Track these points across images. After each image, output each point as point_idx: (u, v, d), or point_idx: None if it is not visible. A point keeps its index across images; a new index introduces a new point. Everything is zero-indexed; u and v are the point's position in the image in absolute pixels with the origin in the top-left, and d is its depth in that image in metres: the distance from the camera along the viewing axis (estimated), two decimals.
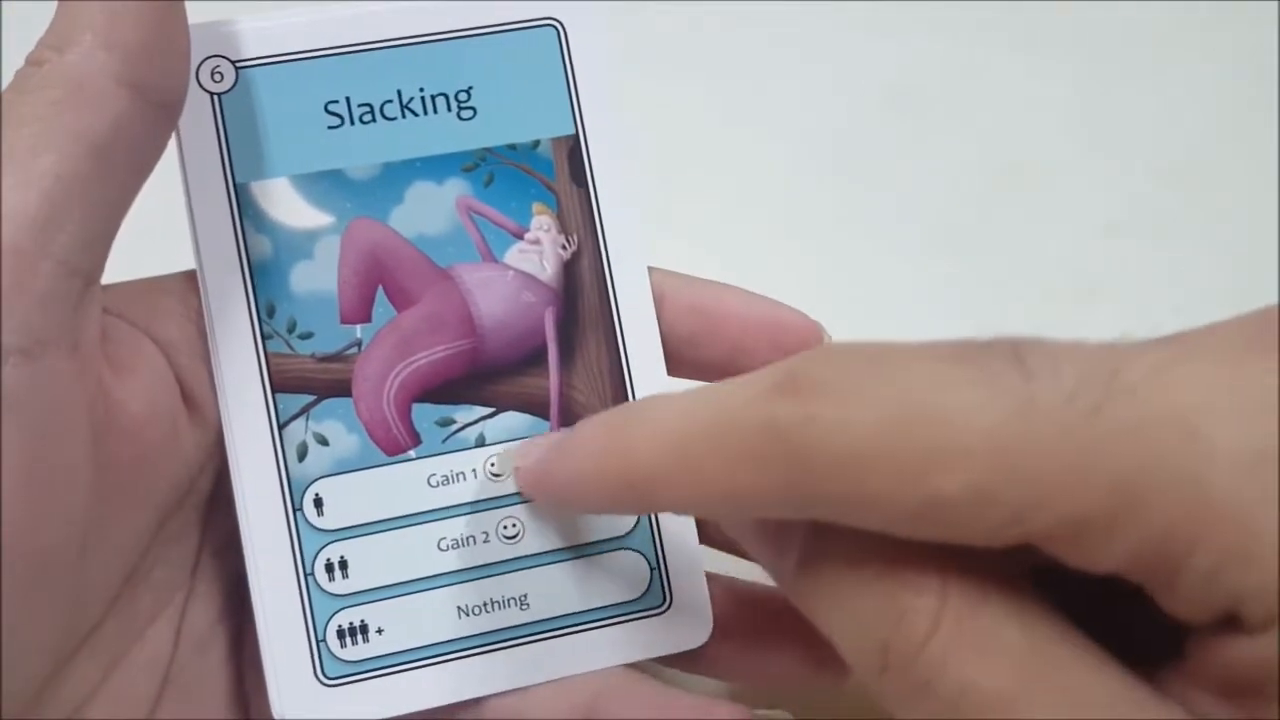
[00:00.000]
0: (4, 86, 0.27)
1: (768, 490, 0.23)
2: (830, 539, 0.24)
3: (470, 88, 0.33)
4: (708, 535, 0.33)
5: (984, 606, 0.22)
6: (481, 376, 0.32)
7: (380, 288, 0.32)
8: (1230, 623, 0.21)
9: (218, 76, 0.31)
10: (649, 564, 0.32)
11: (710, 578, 0.33)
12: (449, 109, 0.32)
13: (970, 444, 0.21)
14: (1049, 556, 0.22)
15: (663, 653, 0.32)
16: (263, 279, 0.31)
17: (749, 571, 0.35)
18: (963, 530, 0.22)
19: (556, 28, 0.33)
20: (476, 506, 0.32)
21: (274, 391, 0.31)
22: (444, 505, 0.32)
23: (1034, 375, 0.21)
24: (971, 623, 0.22)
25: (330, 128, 0.32)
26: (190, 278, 0.31)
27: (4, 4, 0.48)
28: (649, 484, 0.25)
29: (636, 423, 0.26)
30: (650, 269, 0.33)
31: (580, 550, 0.32)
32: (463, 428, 0.32)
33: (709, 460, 0.24)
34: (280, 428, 0.31)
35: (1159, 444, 0.21)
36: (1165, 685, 0.22)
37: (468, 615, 0.32)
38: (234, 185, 0.31)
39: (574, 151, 0.33)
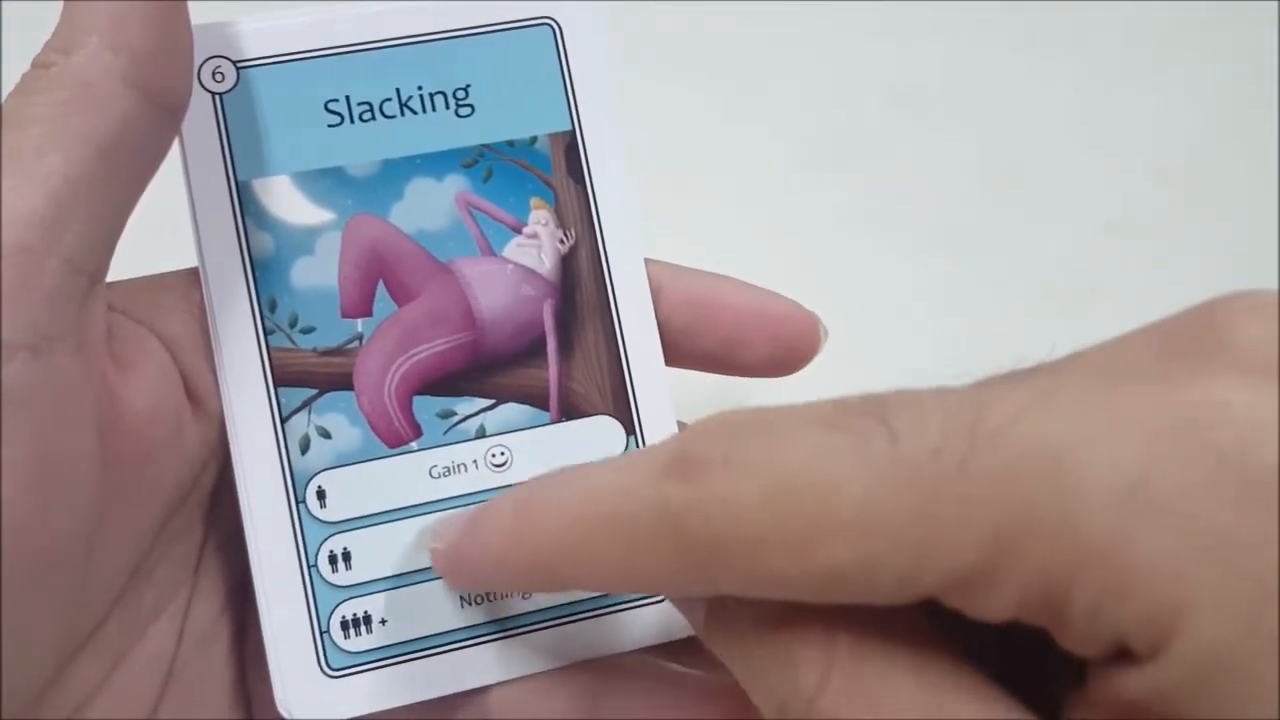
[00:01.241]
0: (4, 86, 0.28)
1: (665, 573, 0.23)
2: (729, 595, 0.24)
3: (468, 86, 0.33)
4: None
5: (873, 656, 0.22)
6: (482, 369, 0.33)
7: (381, 282, 0.32)
8: (1121, 655, 0.21)
9: (219, 76, 0.32)
10: None
11: None
12: (447, 107, 0.33)
13: (847, 515, 0.21)
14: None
15: (663, 639, 0.32)
16: (264, 275, 0.32)
17: None
18: (858, 595, 0.22)
19: (552, 26, 0.34)
20: (478, 497, 0.32)
21: (276, 385, 0.31)
22: (446, 496, 0.32)
23: (899, 435, 0.21)
24: (860, 674, 0.22)
25: (330, 126, 0.32)
26: (193, 274, 0.32)
27: (4, 4, 0.49)
28: (555, 569, 0.25)
29: (540, 505, 0.26)
30: (647, 261, 0.34)
31: None
32: (463, 419, 0.32)
33: (608, 548, 0.24)
34: (283, 421, 0.31)
35: (1027, 488, 0.20)
36: (1073, 716, 0.22)
37: (470, 605, 0.32)
38: (235, 183, 0.32)
39: (571, 147, 0.33)
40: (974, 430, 0.21)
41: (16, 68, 0.28)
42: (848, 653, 0.23)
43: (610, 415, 0.33)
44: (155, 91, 0.28)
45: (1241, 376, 0.20)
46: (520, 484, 0.27)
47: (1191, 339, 0.21)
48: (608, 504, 0.24)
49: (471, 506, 0.30)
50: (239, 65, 0.32)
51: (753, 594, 0.23)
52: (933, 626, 0.23)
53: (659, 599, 0.33)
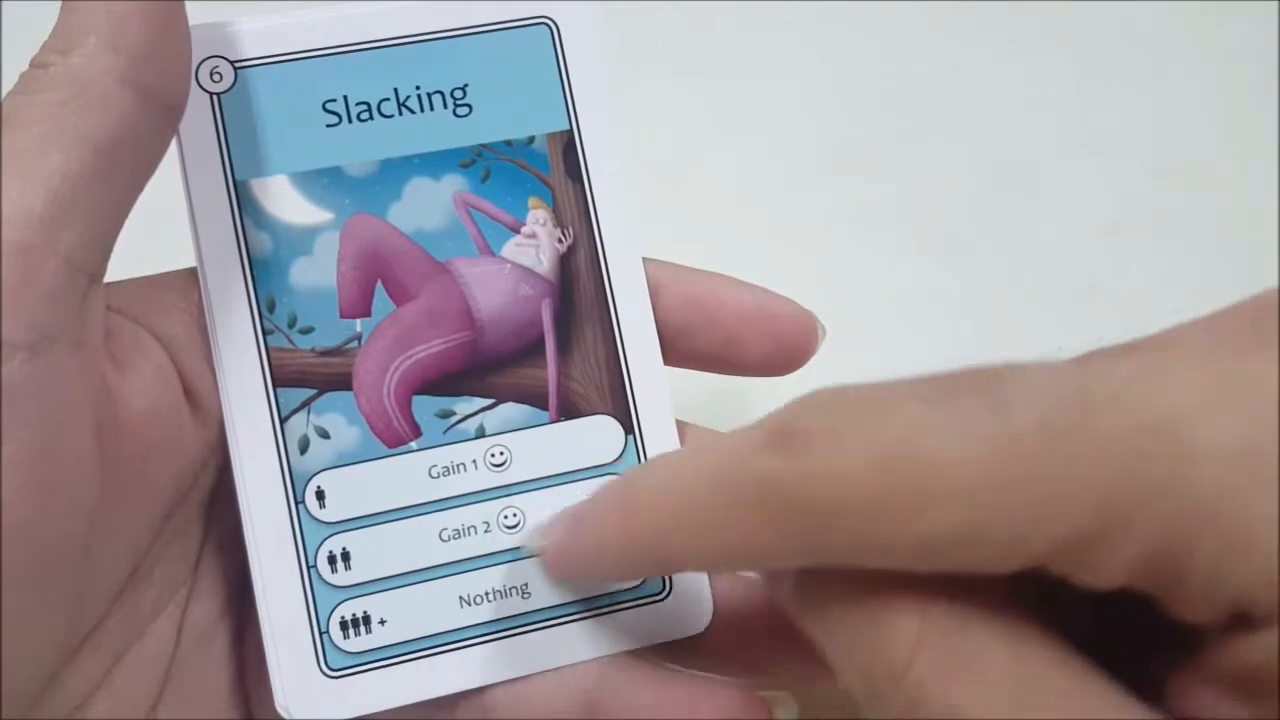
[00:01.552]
0: (4, 85, 0.28)
1: (771, 544, 0.23)
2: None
3: (466, 85, 0.33)
4: None
5: (968, 628, 0.22)
6: (481, 368, 0.33)
7: (379, 282, 0.32)
8: (1238, 621, 0.21)
9: (217, 76, 0.32)
10: None
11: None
12: (445, 106, 0.33)
13: (957, 481, 0.21)
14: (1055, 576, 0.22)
15: (663, 639, 0.33)
16: (263, 275, 0.32)
17: None
18: (963, 562, 0.22)
19: (550, 26, 0.34)
20: (477, 497, 0.32)
21: (275, 386, 0.31)
22: (445, 496, 0.32)
23: (1008, 404, 0.21)
24: (955, 645, 0.22)
25: (328, 126, 0.32)
26: (191, 275, 0.32)
27: (4, 4, 0.49)
28: (662, 547, 0.26)
29: (644, 489, 0.26)
30: (645, 260, 0.34)
31: None
32: (463, 419, 0.32)
33: (713, 521, 0.24)
34: (282, 421, 0.31)
35: (1140, 452, 0.20)
36: (1180, 688, 0.22)
37: (469, 605, 0.32)
38: (234, 183, 0.32)
39: (569, 146, 0.33)
40: (1084, 398, 0.21)
41: (16, 68, 0.28)
42: (942, 623, 0.22)
43: (609, 414, 0.33)
44: (154, 91, 0.28)
45: None
46: (620, 475, 0.28)
47: None
48: (710, 478, 0.24)
49: (568, 507, 0.31)
50: (237, 65, 0.32)
51: (854, 563, 0.23)
52: (1023, 603, 0.23)
53: (660, 597, 0.33)
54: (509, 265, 0.33)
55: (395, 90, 0.33)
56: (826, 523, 0.22)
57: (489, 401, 0.33)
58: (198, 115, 0.31)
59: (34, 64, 0.28)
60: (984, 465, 0.21)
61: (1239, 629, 0.21)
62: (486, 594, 0.32)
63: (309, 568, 0.31)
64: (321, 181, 0.32)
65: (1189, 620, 0.21)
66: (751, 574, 0.34)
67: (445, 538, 0.32)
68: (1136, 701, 0.22)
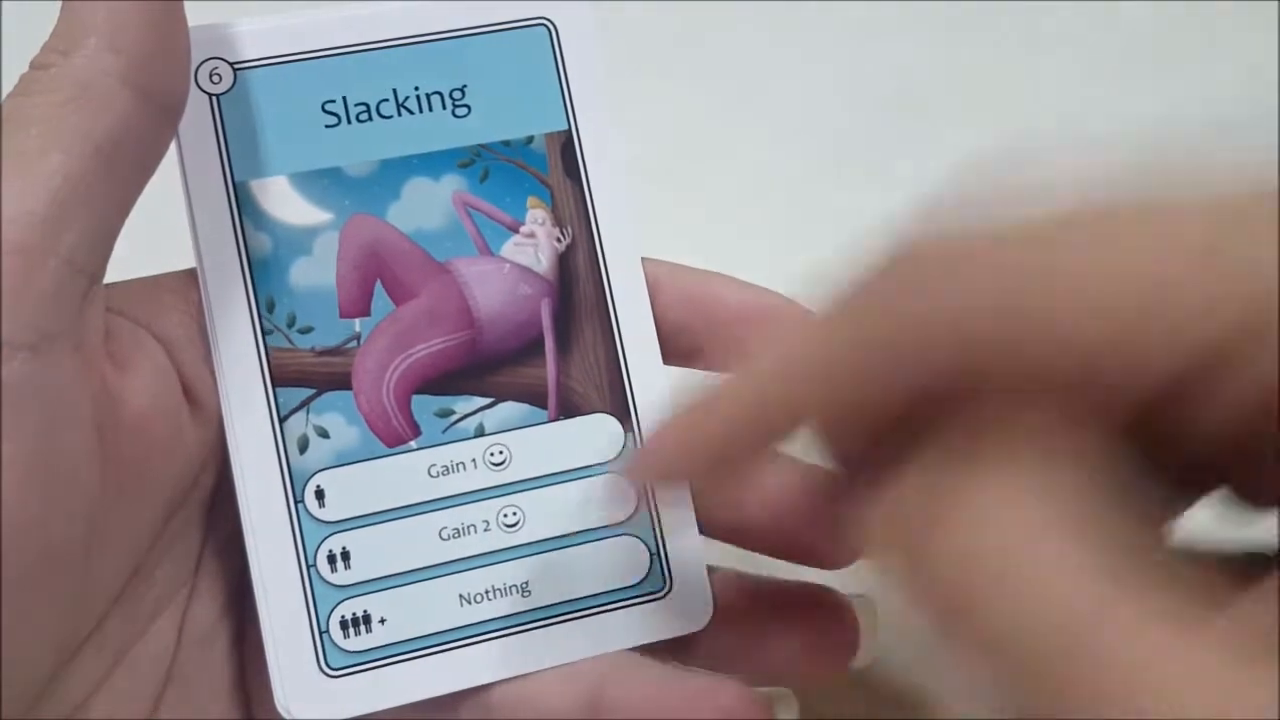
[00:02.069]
0: (3, 86, 0.28)
1: (912, 329, 0.23)
2: (903, 469, 0.23)
3: (464, 86, 0.33)
4: (708, 526, 0.34)
5: (1042, 532, 0.21)
6: (480, 368, 0.33)
7: (379, 282, 0.32)
8: None
9: (216, 78, 0.32)
10: (649, 549, 0.33)
11: (710, 570, 0.33)
12: (444, 107, 0.33)
13: (1099, 268, 0.21)
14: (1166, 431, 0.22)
15: (664, 636, 0.33)
16: (262, 275, 0.32)
17: (749, 563, 0.35)
18: (1114, 359, 0.21)
19: (548, 27, 0.34)
20: (477, 496, 0.32)
21: (274, 385, 0.31)
22: (445, 495, 0.32)
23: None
24: (1022, 552, 0.21)
25: (327, 126, 0.32)
26: (190, 275, 0.32)
27: (4, 4, 0.49)
28: (794, 376, 0.25)
29: (758, 350, 0.26)
30: (644, 259, 0.34)
31: (580, 537, 0.33)
32: (462, 418, 0.32)
33: (827, 338, 0.24)
34: (281, 421, 0.31)
35: (1275, 276, 0.20)
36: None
37: (470, 603, 0.32)
38: (233, 184, 0.32)
39: (567, 146, 0.34)
40: (1215, 228, 0.21)
41: (16, 68, 0.28)
42: (1017, 521, 0.21)
43: (608, 413, 0.33)
44: (153, 92, 0.28)
45: None
46: None
47: None
48: (820, 306, 0.24)
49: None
50: (236, 66, 0.32)
51: (982, 360, 0.22)
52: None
53: (660, 594, 0.33)
54: (508, 265, 0.33)
55: (394, 91, 0.33)
56: (972, 295, 0.22)
57: (488, 400, 0.33)
58: (197, 116, 0.31)
59: (34, 65, 0.28)
60: (1129, 257, 0.21)
61: None
62: (486, 592, 0.32)
63: (309, 567, 0.31)
64: (321, 182, 0.32)
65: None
66: (752, 572, 0.34)
67: (445, 536, 0.32)
68: (1208, 628, 0.20)
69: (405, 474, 0.32)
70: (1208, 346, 0.21)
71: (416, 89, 0.33)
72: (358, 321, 0.32)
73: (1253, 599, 0.21)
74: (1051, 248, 0.22)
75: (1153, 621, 0.20)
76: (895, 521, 0.23)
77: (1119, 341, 0.21)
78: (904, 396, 0.23)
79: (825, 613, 0.34)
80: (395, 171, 0.33)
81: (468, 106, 0.33)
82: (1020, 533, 0.21)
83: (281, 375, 0.32)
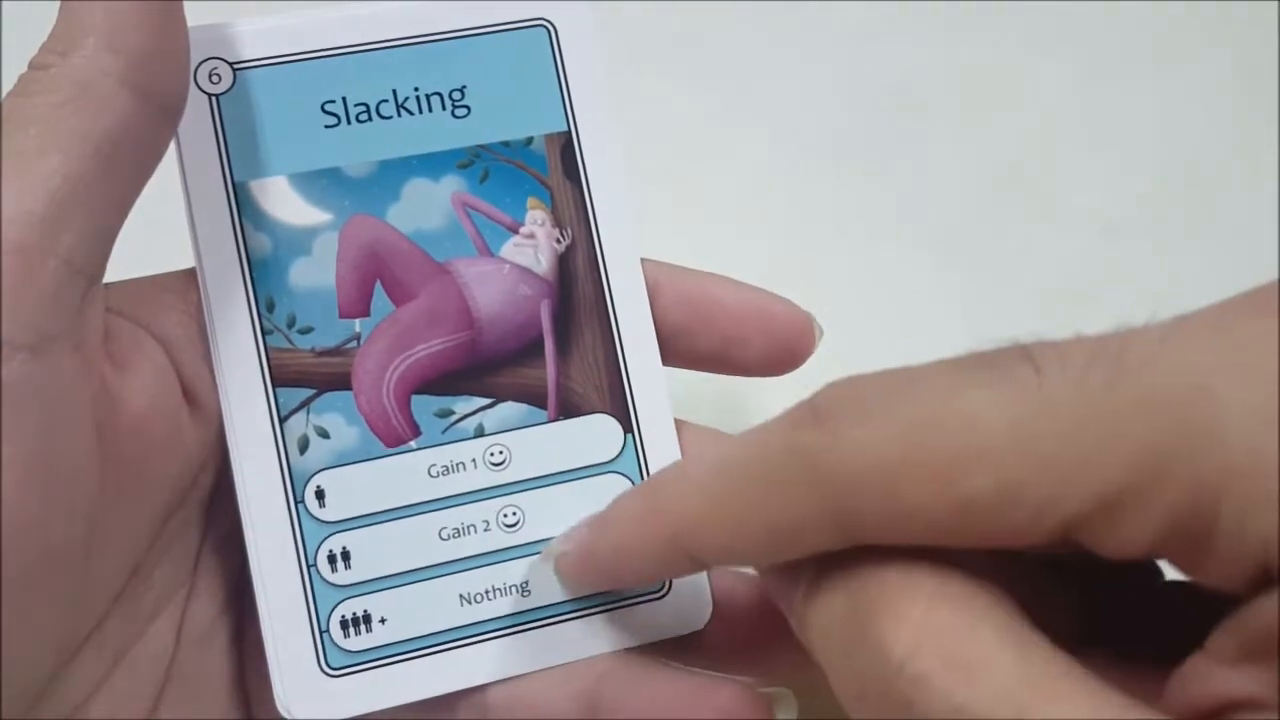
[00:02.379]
0: (4, 85, 0.28)
1: (803, 519, 0.23)
2: (829, 572, 0.24)
3: (464, 87, 0.33)
4: None
5: (972, 627, 0.22)
6: (480, 368, 0.33)
7: (378, 282, 0.32)
8: (1262, 581, 0.21)
9: (215, 78, 0.32)
10: None
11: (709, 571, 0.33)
12: (443, 107, 0.33)
13: (992, 441, 0.22)
14: (1075, 554, 0.22)
15: (663, 636, 0.33)
16: (262, 275, 0.32)
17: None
18: (999, 529, 0.22)
19: (547, 28, 0.34)
20: (477, 496, 0.32)
21: (274, 386, 0.31)
22: (444, 495, 0.32)
23: (1043, 369, 0.22)
24: (958, 642, 0.22)
25: (327, 127, 0.32)
26: (190, 275, 0.32)
27: (4, 4, 0.49)
28: (691, 535, 0.26)
29: (670, 481, 0.26)
30: (644, 261, 0.34)
31: None
32: (462, 418, 0.32)
33: (743, 498, 0.24)
34: (281, 421, 0.31)
35: (1175, 408, 0.21)
36: (1193, 672, 0.22)
37: (470, 603, 0.32)
38: (233, 184, 0.32)
39: (567, 147, 0.34)
40: (1118, 360, 0.21)
41: (16, 68, 0.28)
42: (946, 620, 0.22)
43: (608, 414, 0.33)
44: (152, 92, 0.28)
45: None
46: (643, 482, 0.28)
47: None
48: (739, 461, 0.24)
49: (589, 516, 0.30)
50: (235, 66, 0.32)
51: (889, 537, 0.23)
52: (1025, 613, 0.23)
53: (659, 595, 0.33)
54: (508, 265, 0.33)
55: (394, 91, 0.33)
56: (860, 491, 0.23)
57: (488, 401, 0.33)
58: (196, 116, 0.31)
59: (33, 65, 0.28)
60: (1021, 423, 0.21)
61: (1264, 590, 0.21)
62: (486, 592, 0.32)
63: (309, 567, 0.31)
64: (320, 182, 0.32)
65: (1214, 583, 0.22)
66: (752, 571, 0.34)
67: (445, 536, 0.32)
68: (1136, 702, 0.22)
69: (405, 474, 0.32)
70: (1101, 498, 0.21)
71: (416, 89, 0.33)
72: (357, 322, 0.32)
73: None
74: (946, 395, 0.22)
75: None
76: (829, 632, 0.24)
77: (1002, 505, 0.22)
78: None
79: None
80: (395, 172, 0.33)
81: (467, 107, 0.33)
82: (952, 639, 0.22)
83: (281, 375, 0.32)
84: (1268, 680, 0.21)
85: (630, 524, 0.28)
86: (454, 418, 0.32)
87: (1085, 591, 0.26)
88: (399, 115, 0.33)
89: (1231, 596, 0.22)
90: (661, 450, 0.33)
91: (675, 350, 0.34)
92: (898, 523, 0.23)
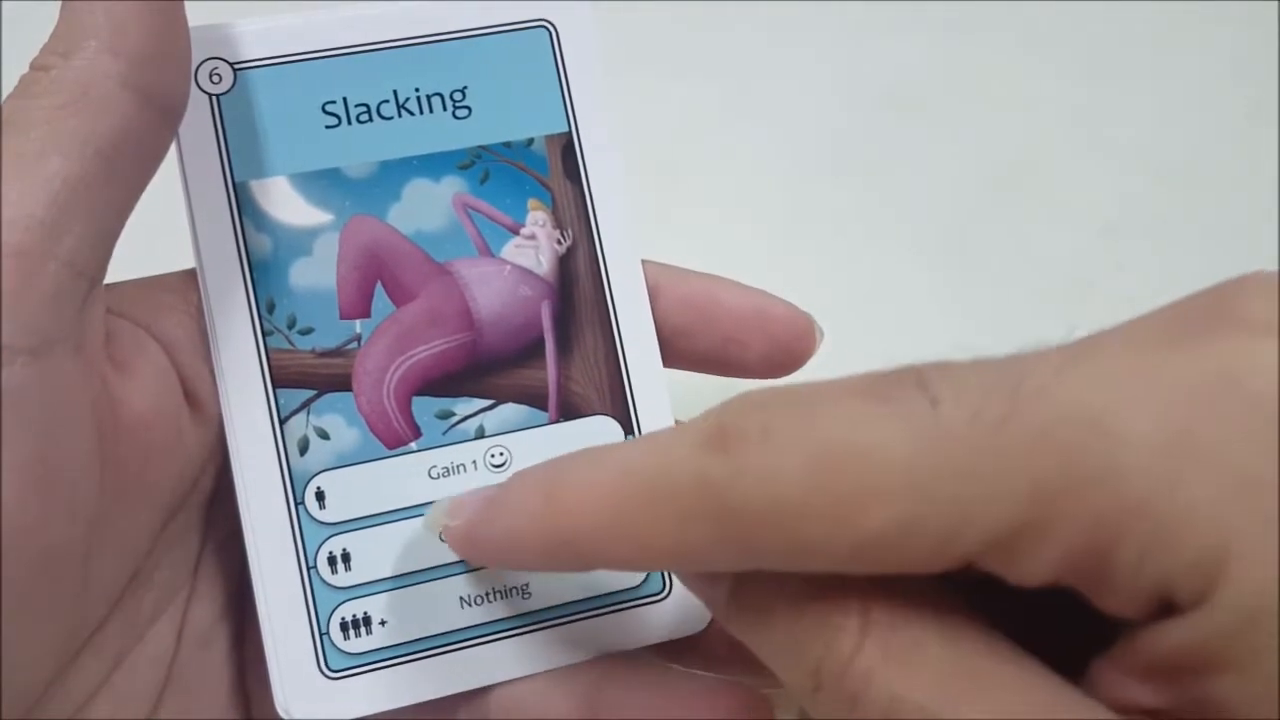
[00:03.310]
0: (4, 86, 0.28)
1: (704, 546, 0.23)
2: (753, 574, 0.24)
3: (465, 87, 0.33)
4: None
5: (908, 622, 0.23)
6: (480, 369, 0.33)
7: (379, 283, 0.32)
8: (1160, 610, 0.21)
9: (216, 78, 0.32)
10: None
11: None
12: (444, 108, 0.33)
13: (888, 479, 0.22)
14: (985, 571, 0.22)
15: (663, 638, 0.33)
16: (262, 276, 0.32)
17: None
18: (898, 562, 0.22)
19: (548, 29, 0.34)
20: None
21: (275, 387, 0.31)
22: (445, 497, 0.32)
23: (939, 400, 0.22)
24: (895, 638, 0.23)
25: (328, 127, 0.32)
26: (190, 276, 0.32)
27: (4, 4, 0.49)
28: (587, 543, 0.25)
29: (571, 481, 0.26)
30: (644, 262, 0.34)
31: None
32: (462, 420, 0.32)
33: (645, 519, 0.24)
34: (281, 422, 0.31)
35: (1069, 444, 0.21)
36: (1101, 677, 0.22)
37: (470, 605, 0.32)
38: (233, 184, 0.32)
39: (567, 148, 0.33)
40: (1014, 392, 0.21)
41: (16, 68, 0.28)
42: (884, 618, 0.23)
43: (608, 415, 0.33)
44: (154, 94, 0.28)
45: (1261, 335, 0.21)
46: (538, 464, 0.27)
47: (1207, 310, 0.22)
48: (643, 478, 0.24)
49: (484, 486, 0.29)
50: (236, 67, 0.32)
51: (790, 567, 0.23)
52: (958, 600, 0.23)
53: (659, 597, 0.33)
54: (508, 266, 0.33)
55: (394, 92, 0.33)
56: (763, 525, 0.23)
57: (489, 402, 0.33)
58: (197, 117, 0.31)
59: (34, 66, 0.27)
60: (916, 460, 0.22)
61: (1162, 617, 0.21)
62: (486, 594, 0.32)
63: (309, 569, 0.31)
64: (321, 183, 0.32)
65: (1114, 612, 0.22)
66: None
67: (445, 538, 0.32)
68: (1071, 688, 0.22)
69: (406, 475, 0.32)
70: (997, 535, 0.21)
71: (417, 90, 0.33)
72: (358, 323, 0.32)
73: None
74: (845, 429, 0.22)
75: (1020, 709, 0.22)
76: (764, 631, 0.25)
77: (903, 534, 0.22)
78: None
79: None
80: (395, 173, 0.33)
81: (468, 108, 0.33)
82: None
83: (282, 376, 0.32)
84: (1172, 694, 0.21)
85: (525, 518, 0.26)
86: (455, 419, 0.32)
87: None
88: (400, 116, 0.33)
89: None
90: None
91: (676, 351, 0.34)
92: (800, 556, 0.23)
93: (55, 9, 0.28)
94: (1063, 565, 0.21)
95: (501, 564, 0.31)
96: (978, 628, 0.23)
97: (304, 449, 0.31)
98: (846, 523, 0.22)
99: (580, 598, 0.32)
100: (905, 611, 0.23)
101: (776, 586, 0.24)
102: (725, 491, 0.23)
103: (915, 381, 0.22)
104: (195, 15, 0.29)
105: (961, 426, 0.21)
